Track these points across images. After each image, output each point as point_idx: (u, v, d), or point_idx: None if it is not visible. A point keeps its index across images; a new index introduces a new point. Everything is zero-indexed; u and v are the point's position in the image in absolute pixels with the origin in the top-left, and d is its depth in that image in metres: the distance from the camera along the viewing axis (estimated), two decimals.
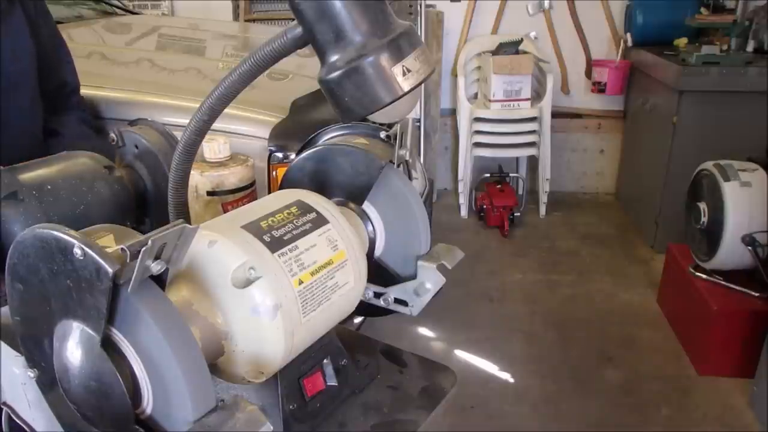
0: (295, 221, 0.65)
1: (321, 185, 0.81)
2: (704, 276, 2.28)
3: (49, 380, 0.56)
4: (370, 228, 0.82)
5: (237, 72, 0.63)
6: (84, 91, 1.34)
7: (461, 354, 2.40)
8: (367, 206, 0.81)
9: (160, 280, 0.50)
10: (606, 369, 2.29)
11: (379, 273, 0.82)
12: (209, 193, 0.99)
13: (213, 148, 0.99)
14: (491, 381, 2.24)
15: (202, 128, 0.66)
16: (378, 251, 0.83)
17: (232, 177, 0.99)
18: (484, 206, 3.49)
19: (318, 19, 0.60)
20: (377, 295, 0.84)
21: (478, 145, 3.49)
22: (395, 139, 0.82)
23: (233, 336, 0.59)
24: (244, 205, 0.85)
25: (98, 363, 0.50)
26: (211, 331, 0.59)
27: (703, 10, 3.25)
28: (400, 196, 0.81)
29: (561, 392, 2.16)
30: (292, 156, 1.16)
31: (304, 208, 0.68)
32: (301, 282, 0.61)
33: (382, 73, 0.60)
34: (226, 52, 1.97)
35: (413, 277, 0.81)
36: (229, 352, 0.60)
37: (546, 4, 3.67)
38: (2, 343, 0.64)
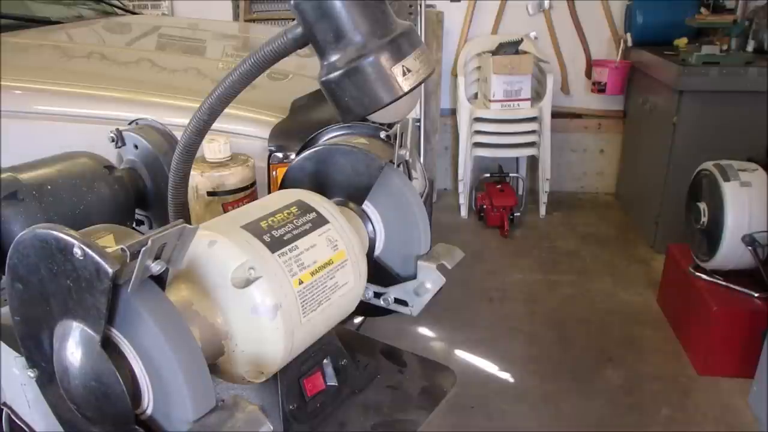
0: (295, 221, 0.66)
1: (321, 185, 0.81)
2: (704, 276, 2.27)
3: (48, 380, 0.56)
4: (370, 228, 0.82)
5: (237, 72, 0.63)
6: (84, 91, 1.34)
7: (461, 354, 2.40)
8: (367, 206, 0.82)
9: (160, 280, 0.50)
10: (606, 369, 2.29)
11: (379, 273, 0.82)
12: (209, 194, 0.99)
13: (213, 148, 0.99)
14: (491, 381, 2.24)
15: (202, 128, 0.66)
16: (378, 251, 0.83)
17: (233, 177, 0.99)
18: (484, 206, 3.49)
19: (318, 19, 0.60)
20: (377, 295, 0.84)
21: (478, 145, 3.49)
22: (395, 139, 0.82)
23: (233, 336, 0.59)
24: (244, 205, 0.85)
25: (98, 363, 0.50)
26: (211, 331, 0.59)
27: (703, 10, 3.24)
28: (400, 196, 0.81)
29: (561, 392, 2.15)
30: (292, 156, 1.16)
31: (304, 208, 0.68)
32: (301, 282, 0.61)
33: (382, 73, 0.60)
34: (226, 52, 1.97)
35: (413, 277, 0.81)
36: (229, 352, 0.60)
37: (546, 4, 3.67)
38: (2, 343, 0.64)
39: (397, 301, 0.83)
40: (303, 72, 1.63)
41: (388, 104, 0.61)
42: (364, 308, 0.82)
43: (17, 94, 1.32)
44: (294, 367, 0.69)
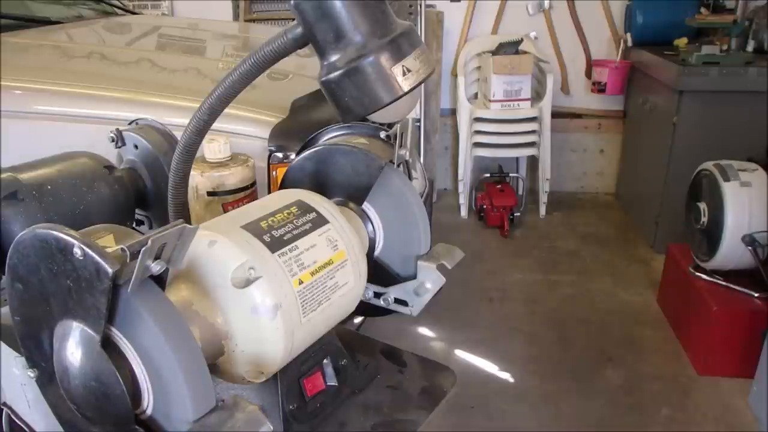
0: (295, 221, 0.66)
1: (321, 185, 0.81)
2: (704, 276, 2.27)
3: (48, 380, 0.56)
4: (370, 228, 0.82)
5: (237, 72, 0.63)
6: (84, 91, 1.34)
7: (461, 354, 2.40)
8: (367, 206, 0.82)
9: (160, 280, 0.50)
10: (606, 369, 2.29)
11: (379, 273, 0.82)
12: (209, 194, 0.99)
13: (213, 148, 0.99)
14: (491, 381, 2.24)
15: (202, 128, 0.66)
16: (378, 251, 0.83)
17: (233, 177, 0.99)
18: (484, 206, 3.49)
19: (318, 19, 0.60)
20: (377, 295, 0.84)
21: (478, 145, 3.49)
22: (395, 139, 0.82)
23: (233, 336, 0.59)
24: (244, 205, 0.85)
25: (98, 363, 0.50)
26: (211, 331, 0.59)
27: (703, 10, 3.24)
28: (400, 196, 0.81)
29: (561, 392, 2.15)
30: (292, 156, 1.17)
31: (304, 208, 0.68)
32: (301, 282, 0.61)
33: (382, 73, 0.60)
34: (226, 52, 1.97)
35: (413, 277, 0.81)
36: (229, 352, 0.60)
37: (546, 4, 3.67)
38: (2, 343, 0.64)
39: (397, 301, 0.83)
40: (303, 72, 1.63)
41: (388, 104, 0.61)
42: (364, 308, 0.82)
43: (17, 94, 1.32)
44: (294, 367, 0.69)
